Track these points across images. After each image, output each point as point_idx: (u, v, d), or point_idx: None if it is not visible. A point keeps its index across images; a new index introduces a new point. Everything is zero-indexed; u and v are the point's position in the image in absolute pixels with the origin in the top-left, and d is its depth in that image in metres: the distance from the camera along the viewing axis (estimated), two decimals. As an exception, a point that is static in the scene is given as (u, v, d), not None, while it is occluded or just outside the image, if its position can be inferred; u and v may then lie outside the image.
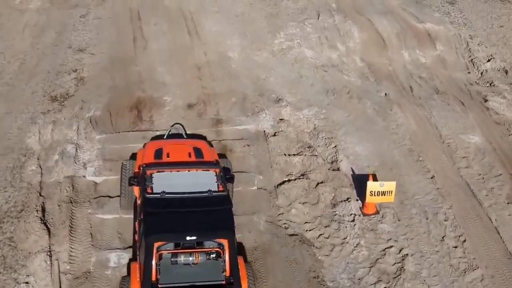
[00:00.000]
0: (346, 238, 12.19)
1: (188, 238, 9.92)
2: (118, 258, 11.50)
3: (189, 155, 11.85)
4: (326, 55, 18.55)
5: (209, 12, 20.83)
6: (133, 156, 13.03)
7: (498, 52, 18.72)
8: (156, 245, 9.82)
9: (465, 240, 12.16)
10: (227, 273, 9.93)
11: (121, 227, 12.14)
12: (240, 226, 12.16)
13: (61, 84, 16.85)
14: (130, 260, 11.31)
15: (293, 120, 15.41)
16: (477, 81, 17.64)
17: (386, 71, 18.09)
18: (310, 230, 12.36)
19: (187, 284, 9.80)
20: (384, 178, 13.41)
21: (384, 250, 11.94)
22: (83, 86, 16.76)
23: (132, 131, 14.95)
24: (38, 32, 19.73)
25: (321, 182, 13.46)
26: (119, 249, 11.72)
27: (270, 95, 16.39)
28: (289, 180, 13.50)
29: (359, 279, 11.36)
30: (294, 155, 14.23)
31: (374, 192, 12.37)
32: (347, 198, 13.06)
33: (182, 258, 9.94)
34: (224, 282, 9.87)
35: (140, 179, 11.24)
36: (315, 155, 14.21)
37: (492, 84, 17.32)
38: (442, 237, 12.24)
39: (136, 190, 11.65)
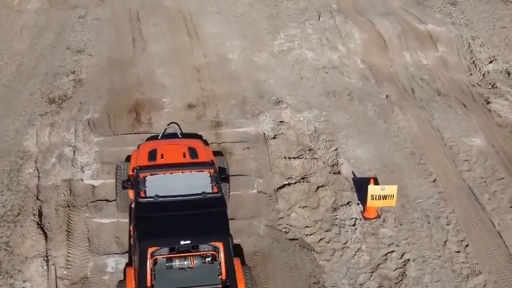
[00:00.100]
0: (347, 242, 12.04)
1: (182, 242, 9.80)
2: (116, 263, 11.36)
3: (184, 155, 11.70)
4: (326, 56, 18.40)
5: (208, 13, 20.70)
6: (129, 158, 12.89)
7: (500, 53, 18.56)
8: (150, 250, 9.71)
9: (467, 245, 12.01)
10: (223, 276, 9.82)
11: (119, 232, 11.99)
12: (239, 231, 12.06)
13: (59, 86, 16.72)
14: (127, 265, 11.17)
15: (294, 123, 15.26)
16: (479, 83, 17.48)
17: (387, 72, 17.93)
18: (310, 235, 12.21)
19: None
20: (385, 182, 13.26)
21: (385, 255, 11.79)
22: (81, 88, 16.63)
23: (131, 133, 14.81)
24: (36, 33, 19.62)
25: (322, 186, 13.31)
26: (117, 254, 11.58)
27: (270, 97, 16.23)
28: (289, 184, 13.35)
29: (360, 284, 11.21)
30: (294, 158, 14.08)
31: (375, 196, 12.22)
32: (348, 202, 12.91)
33: (177, 263, 9.85)
34: (220, 286, 9.75)
35: (134, 182, 11.12)
36: (316, 158, 14.06)
37: (494, 86, 17.16)
38: (444, 242, 12.08)
39: (131, 193, 11.51)
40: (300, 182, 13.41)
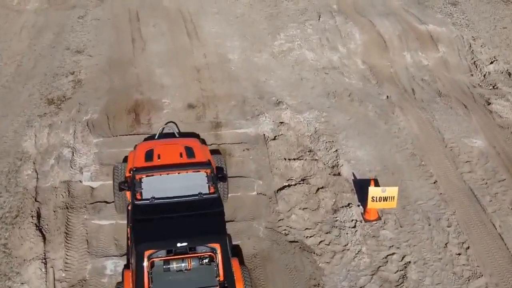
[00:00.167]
0: (347, 245, 11.96)
1: (179, 244, 9.77)
2: (115, 266, 11.31)
3: (181, 155, 11.64)
4: (327, 57, 18.31)
5: (208, 13, 20.62)
6: (127, 159, 12.80)
7: (501, 54, 18.47)
8: (147, 253, 9.66)
9: (468, 247, 11.92)
10: (221, 278, 9.77)
11: (118, 234, 11.93)
12: (239, 233, 12.00)
13: (58, 86, 16.65)
14: (125, 267, 11.10)
15: (294, 124, 15.18)
16: (480, 84, 17.39)
17: (388, 73, 17.85)
18: (310, 237, 12.14)
19: None
20: (386, 183, 13.20)
21: (386, 257, 11.72)
22: (80, 88, 16.56)
23: (130, 134, 14.72)
24: (36, 33, 19.55)
25: (322, 187, 13.23)
26: (116, 256, 11.52)
27: (270, 97, 16.16)
28: (289, 185, 13.27)
29: (360, 287, 11.14)
30: (294, 159, 14.00)
31: (376, 197, 12.14)
32: (348, 204, 12.83)
33: (174, 265, 9.81)
34: (217, 287, 9.70)
35: (130, 183, 11.06)
36: (316, 160, 13.98)
37: (495, 87, 17.07)
38: (445, 244, 12.00)
39: (128, 194, 11.46)
40: (300, 183, 13.33)
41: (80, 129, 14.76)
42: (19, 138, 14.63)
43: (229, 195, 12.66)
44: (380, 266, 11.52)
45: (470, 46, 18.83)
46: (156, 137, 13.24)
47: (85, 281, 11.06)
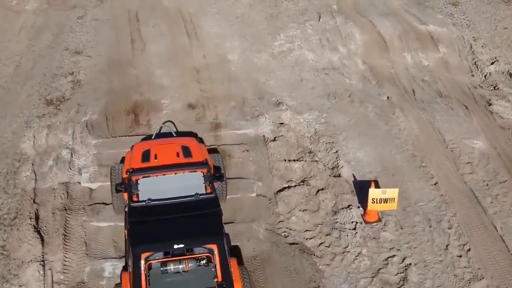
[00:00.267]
0: (347, 246, 11.88)
1: (175, 246, 9.74)
2: (113, 268, 11.24)
3: (178, 155, 11.59)
4: (327, 57, 18.23)
5: (208, 13, 20.55)
6: (124, 160, 12.75)
7: (502, 54, 18.39)
8: (143, 255, 9.62)
9: (469, 249, 11.85)
10: (219, 278, 9.72)
11: (117, 236, 11.86)
12: (238, 234, 11.93)
13: (57, 87, 16.59)
14: (123, 268, 11.03)
15: (293, 125, 15.11)
16: (481, 84, 17.31)
17: (388, 74, 17.77)
18: (310, 239, 12.06)
19: None
20: (386, 185, 13.13)
21: (386, 259, 11.64)
22: (79, 89, 16.50)
23: (129, 135, 14.65)
24: (35, 34, 19.49)
25: (322, 189, 13.15)
26: (115, 258, 11.46)
27: (270, 98, 16.08)
28: (289, 187, 13.19)
29: (361, 289, 11.08)
30: (294, 160, 13.92)
31: (376, 199, 12.06)
32: (349, 205, 12.75)
33: (172, 267, 9.77)
34: None
35: (127, 185, 11.02)
36: (316, 161, 13.90)
37: (496, 88, 16.98)
38: (446, 246, 11.92)
39: (126, 195, 11.40)
40: (300, 185, 13.26)
41: (79, 130, 14.70)
42: (17, 139, 14.57)
43: (229, 196, 12.60)
44: (380, 268, 11.45)
45: (471, 46, 18.75)
46: (153, 137, 13.19)
47: (83, 283, 10.99)
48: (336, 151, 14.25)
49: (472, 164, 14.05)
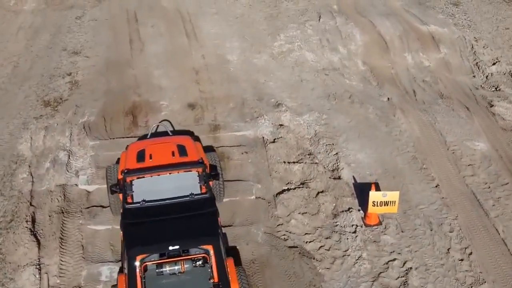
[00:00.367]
0: (347, 250, 11.74)
1: (171, 248, 9.66)
2: (110, 272, 11.11)
3: (173, 154, 11.49)
4: (327, 58, 18.09)
5: (207, 13, 20.42)
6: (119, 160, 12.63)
7: (503, 55, 18.23)
8: (139, 257, 9.55)
9: (471, 253, 11.70)
10: (215, 279, 9.63)
11: (114, 239, 11.71)
12: (237, 238, 11.81)
13: (55, 88, 16.47)
14: (120, 269, 10.92)
15: (293, 126, 14.96)
16: (482, 85, 17.15)
17: (389, 74, 17.62)
18: (310, 242, 11.91)
19: None
20: (387, 187, 12.99)
21: (387, 263, 11.49)
22: (77, 90, 16.38)
23: (127, 137, 14.51)
24: (33, 34, 19.39)
25: (322, 191, 13.00)
26: (112, 262, 11.33)
27: (270, 99, 15.94)
28: (288, 189, 13.05)
29: (361, 294, 10.95)
30: (293, 162, 13.77)
31: (377, 202, 11.92)
32: (349, 208, 12.61)
33: (167, 268, 9.71)
34: None
35: (122, 186, 10.94)
36: (316, 163, 13.76)
37: (497, 89, 16.82)
38: (448, 250, 11.77)
39: (121, 196, 11.28)
40: (299, 187, 13.11)
41: (77, 131, 14.58)
42: (14, 140, 14.44)
43: (227, 199, 12.49)
44: (381, 272, 11.30)
45: (472, 47, 18.60)
46: (148, 136, 13.08)
47: (80, 287, 10.85)
48: (336, 153, 14.11)
49: (474, 166, 13.90)
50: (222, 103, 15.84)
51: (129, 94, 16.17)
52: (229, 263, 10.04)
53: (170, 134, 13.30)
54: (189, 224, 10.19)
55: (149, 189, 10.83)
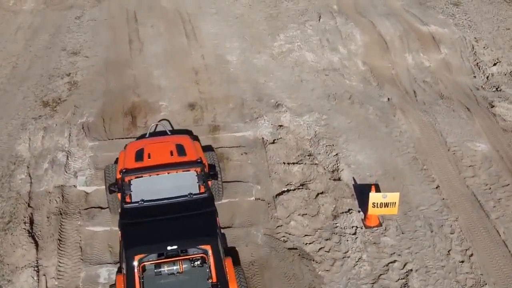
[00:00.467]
0: (347, 252, 11.67)
1: (169, 248, 9.63)
2: (109, 274, 11.04)
3: (171, 153, 11.46)
4: (327, 58, 18.02)
5: (207, 13, 20.35)
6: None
7: (504, 55, 18.15)
8: (137, 257, 9.51)
9: (472, 254, 11.62)
10: (214, 279, 9.59)
11: (112, 240, 11.64)
12: (236, 239, 11.75)
13: (54, 88, 16.41)
14: (118, 269, 10.86)
15: (293, 127, 14.89)
16: (483, 86, 17.07)
17: (389, 75, 17.55)
18: (310, 244, 11.84)
19: None
20: (387, 188, 12.92)
21: (387, 265, 11.42)
22: (76, 90, 16.31)
23: (126, 138, 14.44)
24: (32, 34, 19.33)
25: (322, 193, 12.93)
26: (110, 263, 11.26)
27: (269, 100, 15.87)
28: (288, 190, 12.98)
29: (361, 296, 10.88)
30: (293, 163, 13.70)
31: (377, 203, 11.85)
32: (349, 210, 12.53)
33: (166, 268, 9.69)
34: None
35: (120, 186, 10.90)
36: (316, 164, 13.69)
37: (498, 89, 16.75)
38: (448, 251, 11.70)
39: (120, 196, 11.24)
40: (299, 188, 13.04)
41: (75, 132, 14.52)
42: (13, 141, 14.38)
43: (227, 200, 12.44)
44: (381, 274, 11.23)
45: (473, 47, 18.53)
46: (147, 135, 13.02)
47: (78, 289, 10.81)
48: (336, 154, 14.04)
49: (475, 167, 13.82)
50: (222, 103, 15.77)
51: (128, 95, 16.10)
52: (228, 263, 10.01)
53: (169, 133, 13.24)
54: (187, 224, 10.15)
55: (148, 188, 10.81)
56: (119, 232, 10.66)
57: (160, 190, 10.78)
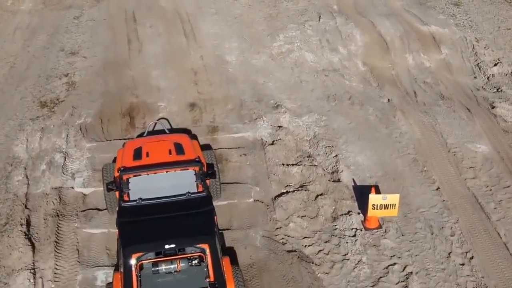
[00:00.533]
0: (347, 254, 11.56)
1: (166, 246, 9.60)
2: (106, 276, 10.94)
3: (170, 152, 11.39)
4: (327, 58, 17.91)
5: (206, 13, 20.25)
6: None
7: (505, 56, 18.05)
8: (134, 256, 9.47)
9: (472, 257, 11.52)
10: (211, 278, 9.55)
11: (110, 243, 11.55)
12: (235, 242, 11.66)
13: (52, 89, 16.30)
14: (115, 267, 10.81)
15: (292, 128, 14.79)
16: (484, 86, 16.97)
17: (389, 75, 17.45)
18: (309, 246, 11.74)
19: None
20: (387, 190, 12.82)
21: (387, 267, 11.32)
22: (74, 91, 16.21)
23: (124, 139, 14.32)
24: (30, 34, 19.22)
25: (321, 194, 12.83)
26: (107, 266, 11.16)
27: (269, 101, 15.76)
28: (287, 192, 12.88)
29: (360, 299, 10.78)
30: (292, 165, 13.61)
31: (377, 205, 11.74)
32: (348, 212, 12.43)
33: (163, 267, 9.65)
34: None
35: (118, 184, 10.84)
36: (315, 165, 13.58)
37: (499, 90, 16.64)
38: (449, 254, 11.60)
39: (118, 194, 11.15)
40: (298, 190, 12.94)
41: (73, 133, 14.42)
42: (10, 142, 14.28)
43: (225, 202, 12.35)
44: (381, 277, 11.13)
45: (473, 47, 18.42)
46: (145, 134, 12.94)
47: (75, 292, 10.71)
48: (336, 155, 13.93)
49: (475, 168, 13.72)
50: (221, 104, 15.67)
51: (126, 95, 16.00)
52: (225, 262, 9.98)
53: (167, 132, 13.17)
54: (185, 222, 10.12)
55: (146, 187, 10.76)
56: (117, 230, 10.60)
57: (158, 188, 10.74)
